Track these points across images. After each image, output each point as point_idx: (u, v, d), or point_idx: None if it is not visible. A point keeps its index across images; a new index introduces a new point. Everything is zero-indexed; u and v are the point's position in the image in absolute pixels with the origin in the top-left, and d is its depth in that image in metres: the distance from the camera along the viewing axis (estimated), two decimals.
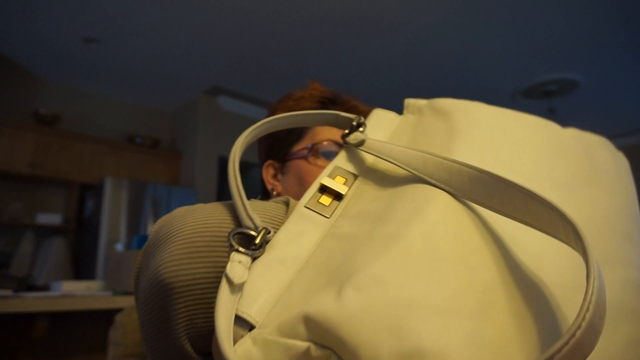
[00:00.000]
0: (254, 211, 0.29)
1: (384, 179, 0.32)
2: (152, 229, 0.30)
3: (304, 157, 0.62)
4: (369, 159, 0.34)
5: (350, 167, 0.34)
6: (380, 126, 0.38)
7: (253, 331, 0.22)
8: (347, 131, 0.36)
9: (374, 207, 0.28)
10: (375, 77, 3.38)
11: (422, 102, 0.38)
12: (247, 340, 0.22)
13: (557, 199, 0.30)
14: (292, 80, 3.38)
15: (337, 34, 2.78)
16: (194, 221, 0.28)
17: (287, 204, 0.32)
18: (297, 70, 3.25)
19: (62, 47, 2.97)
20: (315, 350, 0.20)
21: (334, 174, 0.33)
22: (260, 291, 0.24)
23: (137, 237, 2.01)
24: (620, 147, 4.78)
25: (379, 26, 2.69)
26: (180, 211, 0.30)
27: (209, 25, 2.69)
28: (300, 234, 0.28)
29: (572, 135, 0.36)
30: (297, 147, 0.65)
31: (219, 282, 0.26)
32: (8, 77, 3.23)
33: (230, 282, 0.23)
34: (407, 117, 0.38)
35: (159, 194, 3.37)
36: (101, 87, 3.63)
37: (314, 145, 0.62)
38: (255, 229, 0.26)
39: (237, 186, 0.29)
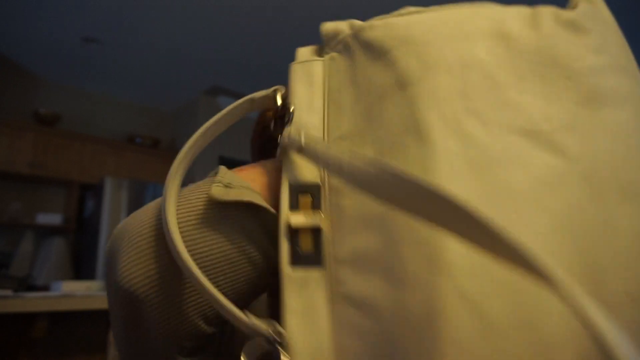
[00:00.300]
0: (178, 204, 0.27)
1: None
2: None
3: None
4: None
5: (306, 175, 0.27)
6: (311, 98, 0.29)
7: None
8: (273, 123, 0.30)
9: (369, 244, 0.23)
10: None
11: (345, 30, 0.30)
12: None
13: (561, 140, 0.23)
14: None
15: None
16: (133, 224, 0.27)
17: (214, 180, 0.28)
18: None
19: (62, 47, 2.97)
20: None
21: (294, 198, 0.26)
22: None
23: None
24: None
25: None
26: (124, 221, 0.29)
27: (209, 25, 2.69)
28: (304, 310, 0.24)
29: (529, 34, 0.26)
30: None
31: (175, 269, 0.26)
32: (8, 77, 3.23)
33: None
34: (335, 61, 0.29)
35: (159, 194, 3.37)
36: (101, 87, 3.63)
37: None
38: None
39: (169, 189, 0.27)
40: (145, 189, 3.32)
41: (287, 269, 0.24)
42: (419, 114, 0.24)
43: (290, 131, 0.27)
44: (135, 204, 3.26)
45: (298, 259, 0.24)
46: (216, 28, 2.73)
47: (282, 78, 3.56)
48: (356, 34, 0.29)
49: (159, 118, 4.10)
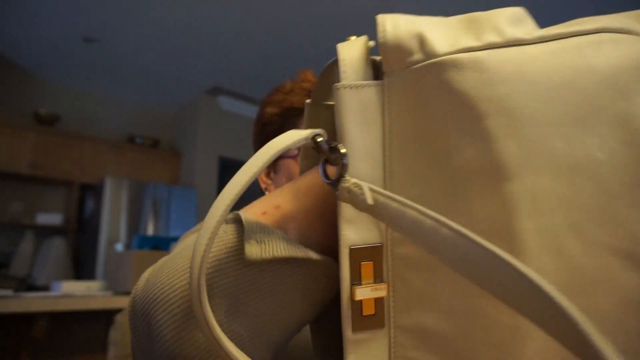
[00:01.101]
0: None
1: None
2: (135, 291, 0.26)
3: (293, 157, 0.60)
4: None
5: (366, 235, 0.23)
6: (368, 141, 0.23)
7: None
8: (329, 176, 0.23)
9: (437, 326, 0.22)
10: None
11: (416, 53, 0.22)
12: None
13: None
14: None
15: (337, 33, 2.78)
16: (165, 288, 0.24)
17: (236, 220, 0.25)
18: (298, 71, 3.25)
19: (62, 47, 2.97)
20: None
21: (356, 268, 0.23)
22: None
23: (137, 237, 2.01)
24: None
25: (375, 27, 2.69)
26: (153, 278, 0.26)
27: (209, 25, 2.69)
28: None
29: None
30: None
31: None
32: (8, 77, 3.23)
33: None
34: (398, 93, 0.23)
35: (159, 194, 3.37)
36: (101, 87, 3.63)
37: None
38: None
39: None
40: (145, 189, 3.33)
41: (349, 334, 0.23)
42: (515, 222, 0.20)
43: (349, 186, 0.22)
44: (135, 204, 3.26)
45: (360, 323, 0.23)
46: (216, 28, 2.73)
47: (282, 78, 3.55)
48: (434, 67, 0.21)
49: (159, 118, 4.10)
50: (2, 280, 2.69)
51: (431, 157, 0.22)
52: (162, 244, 2.00)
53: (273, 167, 0.64)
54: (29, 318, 1.57)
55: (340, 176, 0.22)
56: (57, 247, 3.13)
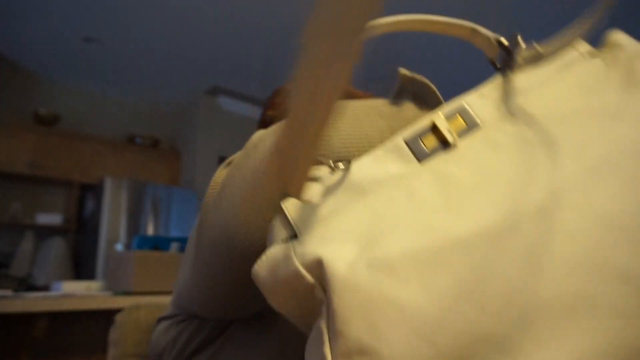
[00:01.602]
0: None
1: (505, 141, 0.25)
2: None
3: None
4: (518, 106, 0.26)
5: (481, 112, 0.27)
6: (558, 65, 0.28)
7: (291, 241, 0.25)
8: (504, 59, 0.28)
9: (464, 177, 0.25)
10: (375, 76, 3.38)
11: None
12: (277, 246, 0.25)
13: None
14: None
15: None
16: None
17: None
18: None
19: (62, 47, 2.97)
20: (319, 293, 0.23)
21: (453, 114, 0.27)
22: (314, 209, 0.26)
23: (137, 238, 2.01)
24: None
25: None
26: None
27: (209, 25, 2.69)
28: (383, 164, 0.27)
29: None
30: None
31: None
32: (8, 77, 3.23)
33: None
34: (602, 61, 0.27)
35: (159, 194, 3.37)
36: (101, 87, 3.63)
37: None
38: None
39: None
40: (145, 189, 3.33)
41: (399, 139, 0.28)
42: None
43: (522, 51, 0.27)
44: (135, 204, 3.26)
45: (412, 141, 0.28)
46: (216, 28, 2.73)
47: (282, 78, 3.57)
48: None
49: (159, 118, 4.10)
50: (2, 280, 2.69)
51: None
52: (162, 244, 2.00)
53: None
54: (29, 318, 1.57)
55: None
56: (57, 247, 3.13)
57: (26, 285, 2.86)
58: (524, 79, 0.28)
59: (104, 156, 3.48)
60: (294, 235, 0.26)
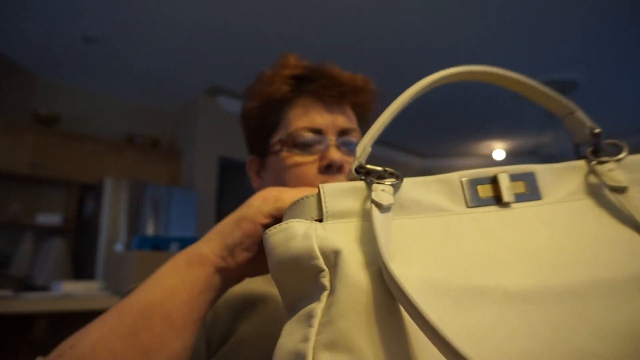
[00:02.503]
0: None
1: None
2: None
3: (278, 152, 0.56)
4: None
5: (547, 187, 0.28)
6: None
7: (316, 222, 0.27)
8: (594, 147, 0.29)
9: (507, 237, 0.26)
10: (375, 76, 3.37)
11: None
12: (300, 221, 0.27)
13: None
14: None
15: (336, 33, 2.78)
16: None
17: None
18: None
19: (62, 47, 2.96)
20: (324, 279, 0.24)
21: (519, 177, 0.28)
22: (349, 203, 0.27)
23: (137, 238, 2.01)
24: None
25: (378, 26, 2.68)
26: None
27: (209, 25, 2.69)
28: (431, 192, 0.28)
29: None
30: (274, 137, 0.58)
31: None
32: (8, 77, 3.23)
33: (378, 205, 0.26)
34: None
35: (159, 194, 3.37)
36: (101, 87, 3.63)
37: (288, 136, 0.55)
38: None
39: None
40: (145, 189, 3.32)
41: (455, 177, 0.29)
42: None
43: (613, 162, 0.29)
44: (135, 204, 3.26)
45: (466, 184, 0.29)
46: (216, 28, 2.72)
47: None
48: None
49: (159, 118, 4.10)
50: (1, 280, 2.69)
51: None
52: (161, 244, 2.00)
53: (262, 164, 0.61)
54: (28, 318, 1.57)
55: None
56: (57, 247, 3.13)
57: (26, 285, 2.86)
58: (611, 175, 0.28)
59: (104, 156, 3.48)
60: (320, 219, 0.26)
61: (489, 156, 5.31)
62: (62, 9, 2.51)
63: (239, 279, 0.38)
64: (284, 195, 0.36)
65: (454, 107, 3.93)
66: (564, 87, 3.43)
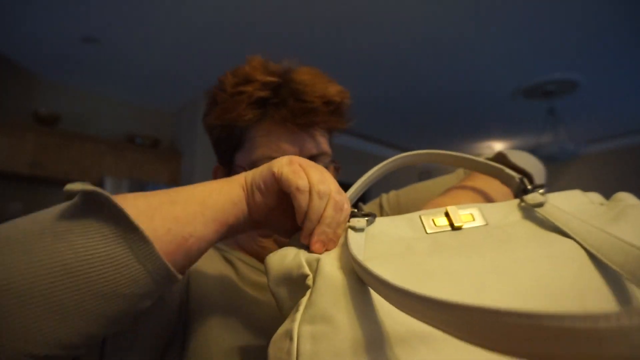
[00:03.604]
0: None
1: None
2: None
3: (243, 167, 0.55)
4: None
5: (490, 216, 0.37)
6: (565, 198, 0.39)
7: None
8: (522, 188, 0.40)
9: (454, 245, 0.34)
10: (374, 77, 3.38)
11: None
12: (291, 248, 0.35)
13: None
14: None
15: (336, 34, 2.78)
16: None
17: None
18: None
19: (62, 47, 2.96)
20: (309, 281, 0.31)
21: (467, 212, 0.36)
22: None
23: None
24: (620, 147, 4.78)
25: (378, 27, 2.69)
26: None
27: (209, 25, 2.69)
28: (396, 226, 0.36)
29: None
30: (238, 155, 0.56)
31: None
32: (8, 77, 3.23)
33: (352, 227, 0.35)
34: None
35: None
36: (101, 87, 3.63)
37: (251, 164, 0.53)
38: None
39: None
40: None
41: (416, 214, 0.38)
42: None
43: (537, 193, 0.39)
44: None
45: (425, 219, 0.37)
46: (216, 28, 2.73)
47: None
48: None
49: (159, 118, 4.10)
50: None
51: None
52: None
53: (227, 175, 0.59)
54: None
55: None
56: None
57: None
58: (533, 197, 0.38)
59: (103, 156, 3.48)
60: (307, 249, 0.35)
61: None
62: (62, 9, 2.51)
63: (253, 223, 0.39)
64: (300, 183, 0.35)
65: (454, 107, 3.94)
66: (564, 87, 3.43)
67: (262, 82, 0.53)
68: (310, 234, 0.34)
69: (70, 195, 0.30)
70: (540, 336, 0.13)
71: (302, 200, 0.34)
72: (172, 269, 0.30)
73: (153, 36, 2.81)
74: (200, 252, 0.34)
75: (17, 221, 0.29)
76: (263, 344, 0.44)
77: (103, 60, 3.14)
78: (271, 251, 0.55)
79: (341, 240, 0.34)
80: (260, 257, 0.58)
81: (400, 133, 4.64)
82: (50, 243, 0.27)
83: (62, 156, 3.27)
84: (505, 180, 0.43)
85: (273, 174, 0.36)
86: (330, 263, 0.31)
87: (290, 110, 0.52)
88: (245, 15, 2.59)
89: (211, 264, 0.53)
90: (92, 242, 0.27)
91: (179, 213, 0.32)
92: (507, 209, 0.38)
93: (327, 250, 0.34)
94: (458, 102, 3.81)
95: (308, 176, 0.35)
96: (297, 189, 0.35)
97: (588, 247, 0.30)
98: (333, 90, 0.56)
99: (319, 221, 0.34)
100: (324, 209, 0.34)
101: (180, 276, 0.31)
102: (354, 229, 0.34)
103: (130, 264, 0.28)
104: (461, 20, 2.61)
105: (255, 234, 0.58)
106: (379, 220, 0.37)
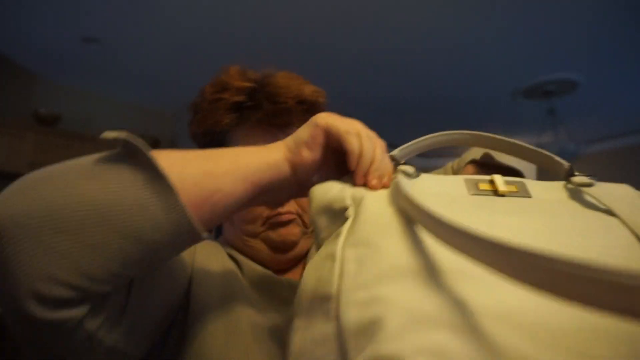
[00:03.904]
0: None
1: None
2: None
3: None
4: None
5: (534, 190, 0.36)
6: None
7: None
8: (570, 174, 0.39)
9: (500, 207, 0.34)
10: (374, 77, 3.38)
11: None
12: (336, 183, 0.37)
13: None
14: None
15: (336, 35, 2.78)
16: None
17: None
18: (297, 71, 3.24)
19: (62, 47, 2.96)
20: (351, 211, 0.33)
21: (512, 182, 0.36)
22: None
23: None
24: (620, 147, 4.78)
25: (377, 26, 2.68)
26: None
27: (209, 25, 2.69)
28: (444, 184, 0.36)
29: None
30: None
31: None
32: (8, 77, 3.23)
33: (403, 172, 0.37)
34: None
35: None
36: (101, 87, 3.63)
37: None
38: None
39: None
40: None
41: (461, 177, 0.38)
42: None
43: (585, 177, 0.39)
44: None
45: (469, 180, 0.38)
46: (216, 28, 2.73)
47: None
48: None
49: (159, 118, 4.10)
50: None
51: None
52: None
53: None
54: None
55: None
56: None
57: None
58: (580, 179, 0.39)
59: None
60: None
61: None
62: (61, 9, 2.51)
63: (296, 187, 0.41)
64: (350, 127, 0.38)
65: (454, 107, 3.94)
66: (564, 87, 3.43)
67: (237, 87, 0.56)
68: (365, 174, 0.35)
69: (108, 142, 0.33)
70: (620, 290, 0.13)
71: (354, 142, 0.36)
72: (195, 222, 0.31)
73: (153, 36, 2.81)
74: (227, 210, 0.35)
75: (61, 163, 0.34)
76: (260, 341, 0.45)
77: (103, 60, 3.14)
78: (259, 250, 0.56)
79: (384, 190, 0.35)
80: (249, 256, 0.58)
81: (400, 133, 4.64)
82: (85, 182, 0.30)
83: (62, 156, 3.22)
84: (553, 167, 0.43)
85: (318, 125, 0.38)
86: (376, 199, 0.32)
87: (265, 113, 0.54)
88: (245, 16, 2.59)
89: (216, 261, 0.54)
90: (122, 185, 0.30)
91: (210, 168, 0.34)
92: (553, 188, 0.37)
93: (383, 187, 0.35)
94: (458, 102, 3.81)
95: (349, 123, 0.38)
96: (347, 132, 0.37)
97: (635, 229, 0.30)
98: (307, 90, 0.58)
99: (372, 160, 0.35)
100: (374, 149, 0.37)
101: (203, 233, 0.32)
102: (405, 173, 0.36)
103: (155, 211, 0.29)
104: (461, 20, 2.60)
105: (242, 233, 0.58)
106: (423, 176, 0.37)
